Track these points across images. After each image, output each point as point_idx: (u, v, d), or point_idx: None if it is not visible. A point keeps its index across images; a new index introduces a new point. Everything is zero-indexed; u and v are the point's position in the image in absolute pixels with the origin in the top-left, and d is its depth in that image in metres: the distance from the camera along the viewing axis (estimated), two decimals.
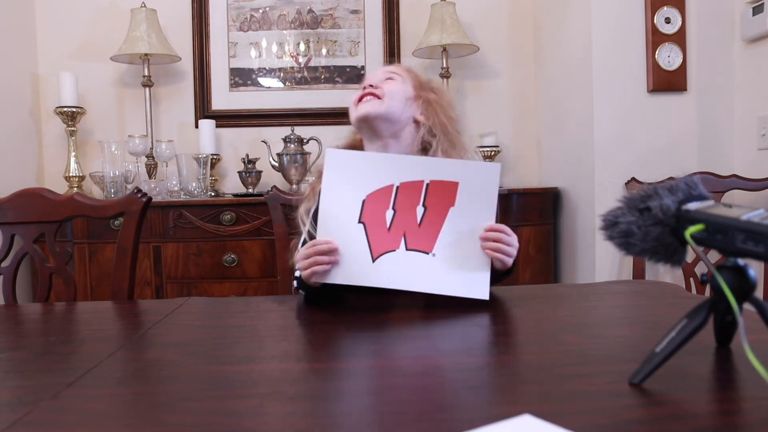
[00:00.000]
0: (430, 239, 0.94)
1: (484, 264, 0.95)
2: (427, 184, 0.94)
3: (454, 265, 0.94)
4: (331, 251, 0.93)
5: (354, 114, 1.14)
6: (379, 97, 1.12)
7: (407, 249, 0.94)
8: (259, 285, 2.14)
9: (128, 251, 1.26)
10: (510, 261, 0.97)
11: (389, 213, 0.94)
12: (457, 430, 0.46)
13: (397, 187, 0.94)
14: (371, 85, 1.13)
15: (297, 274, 1.03)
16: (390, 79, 1.16)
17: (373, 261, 0.93)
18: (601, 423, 0.49)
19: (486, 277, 0.95)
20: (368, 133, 1.15)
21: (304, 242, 1.10)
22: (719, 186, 1.86)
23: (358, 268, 0.94)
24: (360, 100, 1.13)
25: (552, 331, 0.81)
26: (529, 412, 0.48)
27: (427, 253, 0.94)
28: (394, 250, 0.94)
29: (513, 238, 0.97)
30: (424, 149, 1.14)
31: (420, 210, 0.94)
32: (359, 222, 0.94)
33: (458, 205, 0.94)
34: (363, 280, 0.93)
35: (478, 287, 0.94)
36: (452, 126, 1.14)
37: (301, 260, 0.96)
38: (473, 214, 0.94)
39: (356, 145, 1.21)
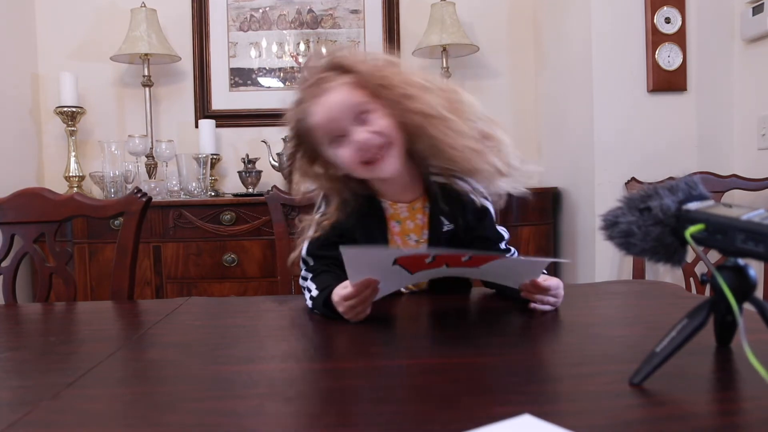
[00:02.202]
0: (478, 263, 0.86)
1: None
2: (469, 257, 0.83)
3: (503, 272, 0.89)
4: (373, 289, 0.84)
5: (376, 174, 0.94)
6: (382, 153, 0.91)
7: (448, 267, 0.86)
8: (259, 285, 2.14)
9: (128, 251, 1.25)
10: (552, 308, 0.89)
11: (428, 260, 0.84)
12: (457, 431, 0.46)
13: (434, 256, 0.83)
14: (371, 144, 0.90)
15: (313, 293, 0.95)
16: (364, 114, 0.90)
17: (412, 274, 0.86)
18: (601, 423, 0.49)
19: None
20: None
21: (311, 244, 1.02)
22: (719, 186, 1.86)
23: (399, 281, 0.88)
24: (366, 162, 0.91)
25: (552, 331, 0.81)
26: (529, 412, 0.48)
27: (475, 267, 0.87)
28: (434, 268, 0.86)
29: (559, 296, 0.89)
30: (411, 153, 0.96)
31: (464, 259, 0.84)
32: (393, 264, 0.82)
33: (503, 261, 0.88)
34: (405, 283, 0.87)
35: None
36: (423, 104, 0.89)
37: (347, 309, 0.85)
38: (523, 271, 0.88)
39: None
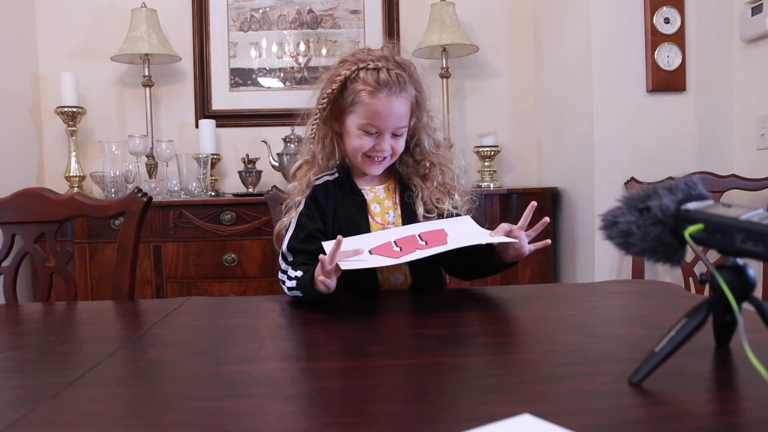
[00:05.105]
0: (432, 243, 1.01)
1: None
2: (419, 234, 1.03)
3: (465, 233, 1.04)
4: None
5: (367, 171, 1.15)
6: (385, 161, 1.14)
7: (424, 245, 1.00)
8: (259, 285, 2.14)
9: (128, 251, 1.26)
10: (526, 249, 1.08)
11: (396, 248, 1.00)
12: (457, 430, 0.46)
13: (395, 241, 1.01)
14: (390, 148, 1.13)
15: (296, 274, 1.02)
16: (400, 133, 1.13)
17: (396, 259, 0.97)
18: (601, 423, 0.49)
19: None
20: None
21: (292, 239, 1.11)
22: (718, 186, 1.86)
23: (385, 261, 0.97)
24: (373, 158, 1.13)
25: (552, 331, 0.81)
26: (529, 412, 0.48)
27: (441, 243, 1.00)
28: (408, 254, 0.98)
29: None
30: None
31: (422, 243, 1.00)
32: (370, 253, 0.98)
33: (451, 238, 1.02)
34: (391, 261, 0.97)
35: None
36: (431, 137, 1.20)
37: (330, 257, 0.93)
38: (469, 239, 1.02)
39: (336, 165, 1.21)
